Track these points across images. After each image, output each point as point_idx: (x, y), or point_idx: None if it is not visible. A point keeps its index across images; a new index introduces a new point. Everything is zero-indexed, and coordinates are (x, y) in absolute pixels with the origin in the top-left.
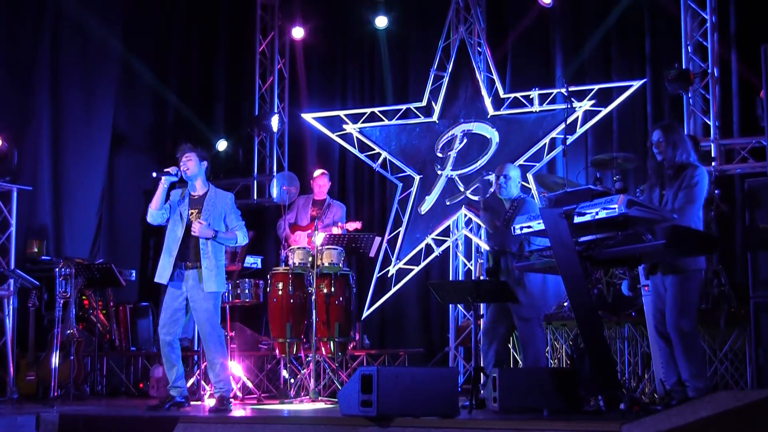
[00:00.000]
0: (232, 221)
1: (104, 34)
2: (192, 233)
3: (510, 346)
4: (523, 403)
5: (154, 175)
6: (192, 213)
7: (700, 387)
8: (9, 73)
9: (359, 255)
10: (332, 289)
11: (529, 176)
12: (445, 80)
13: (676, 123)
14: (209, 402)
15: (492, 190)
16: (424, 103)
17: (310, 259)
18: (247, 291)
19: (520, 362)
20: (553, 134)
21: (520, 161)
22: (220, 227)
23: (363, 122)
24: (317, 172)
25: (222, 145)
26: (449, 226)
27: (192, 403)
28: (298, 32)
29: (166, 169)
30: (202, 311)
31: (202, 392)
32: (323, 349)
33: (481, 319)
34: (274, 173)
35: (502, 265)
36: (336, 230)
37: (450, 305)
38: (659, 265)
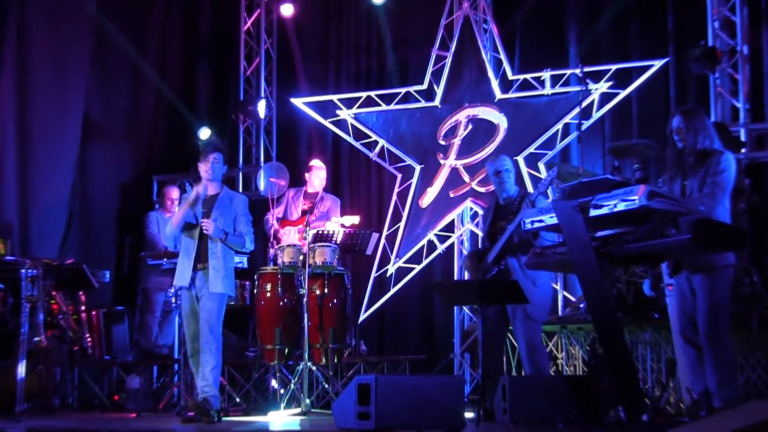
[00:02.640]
0: (241, 225)
1: (76, 5)
2: (204, 232)
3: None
4: (535, 415)
5: (185, 191)
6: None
7: (730, 396)
8: None
9: (355, 253)
10: (325, 291)
11: (541, 165)
12: (448, 61)
13: (698, 108)
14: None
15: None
16: (425, 86)
17: (301, 257)
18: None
19: (525, 369)
20: (567, 119)
21: (531, 149)
22: (229, 229)
23: (358, 107)
24: (316, 163)
25: (205, 133)
26: (453, 220)
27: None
28: (287, 9)
29: (198, 188)
30: (204, 311)
31: (183, 404)
32: (316, 356)
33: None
34: (261, 163)
35: (513, 264)
36: (329, 225)
37: (455, 307)
38: (684, 263)
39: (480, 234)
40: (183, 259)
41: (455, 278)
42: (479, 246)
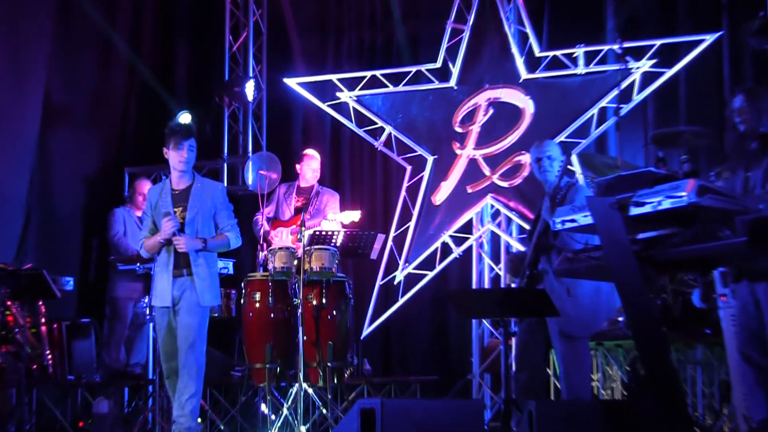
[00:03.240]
0: (222, 219)
1: None
2: (178, 250)
3: (550, 371)
4: None
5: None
6: (176, 212)
7: None
8: None
9: (358, 257)
10: (323, 301)
11: (573, 156)
12: (466, 35)
13: (765, 87)
14: None
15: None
16: (438, 65)
17: (295, 262)
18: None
19: (562, 392)
20: (603, 103)
21: (561, 137)
22: (210, 228)
23: (362, 89)
24: (308, 152)
25: (185, 118)
26: (471, 219)
27: None
28: None
29: (169, 227)
30: (183, 326)
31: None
32: (312, 376)
33: (513, 338)
34: (250, 154)
35: (548, 268)
36: (328, 225)
37: (473, 320)
38: (745, 270)
39: (504, 236)
40: (160, 275)
41: (473, 286)
42: (503, 246)
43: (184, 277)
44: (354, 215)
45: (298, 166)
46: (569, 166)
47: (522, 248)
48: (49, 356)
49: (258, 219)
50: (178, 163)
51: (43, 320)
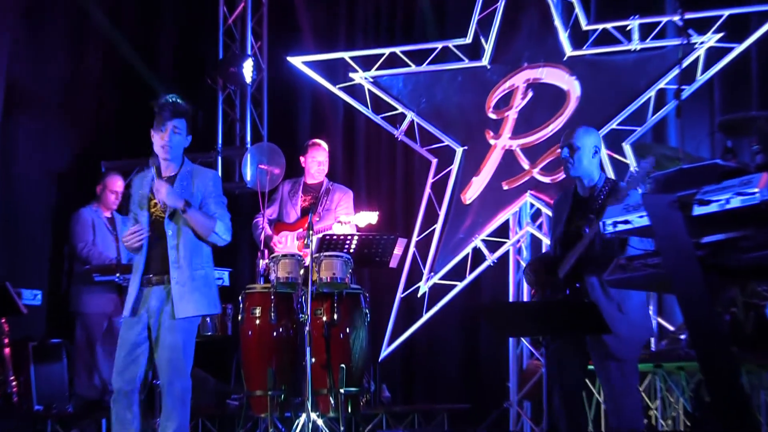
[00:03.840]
0: (210, 208)
1: None
2: (156, 198)
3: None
4: None
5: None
6: (155, 203)
7: None
8: None
9: (375, 265)
10: (335, 317)
11: (626, 147)
12: (500, 6)
13: None
14: None
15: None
16: (469, 40)
17: (302, 271)
18: (208, 320)
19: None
20: (662, 84)
21: (613, 124)
22: None
23: (379, 69)
24: (314, 142)
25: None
26: (508, 221)
27: None
28: None
29: (152, 162)
30: (165, 347)
31: None
32: (322, 405)
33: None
34: (248, 145)
35: (593, 281)
36: (340, 228)
37: (510, 339)
38: None
39: (545, 240)
40: (133, 276)
41: (510, 299)
42: (547, 251)
43: (161, 286)
44: (370, 217)
45: (302, 160)
46: (618, 157)
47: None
48: (14, 383)
49: (258, 222)
50: (160, 148)
51: (6, 341)
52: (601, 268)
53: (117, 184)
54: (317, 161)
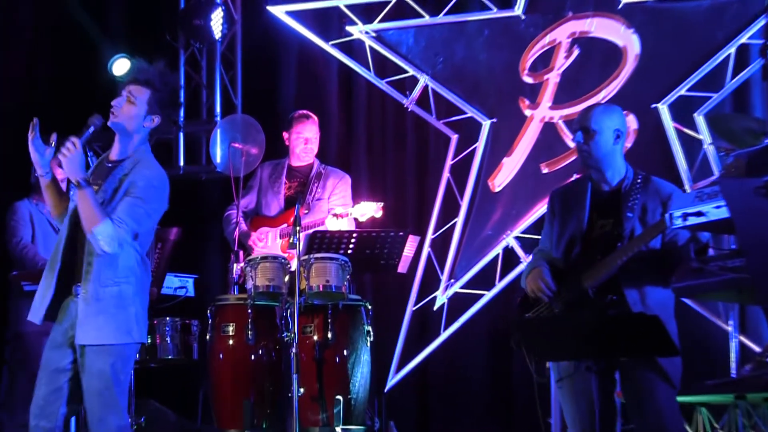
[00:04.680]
0: (118, 207)
1: None
2: (60, 157)
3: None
4: None
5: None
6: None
7: None
8: None
9: (379, 270)
10: (329, 336)
11: (699, 118)
12: None
13: None
14: None
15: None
16: None
17: (287, 278)
18: (168, 340)
19: None
20: (744, 39)
21: (682, 90)
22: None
23: (383, 20)
24: (298, 115)
25: (121, 66)
26: None
27: None
28: None
29: (91, 122)
30: (88, 376)
31: None
32: None
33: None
34: (218, 118)
35: (632, 295)
36: (335, 223)
37: (549, 364)
38: None
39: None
40: (45, 275)
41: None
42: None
43: (80, 299)
44: (373, 208)
45: (286, 137)
46: (687, 130)
47: None
48: None
49: (231, 215)
50: (111, 112)
51: None
52: (647, 277)
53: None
54: (303, 138)
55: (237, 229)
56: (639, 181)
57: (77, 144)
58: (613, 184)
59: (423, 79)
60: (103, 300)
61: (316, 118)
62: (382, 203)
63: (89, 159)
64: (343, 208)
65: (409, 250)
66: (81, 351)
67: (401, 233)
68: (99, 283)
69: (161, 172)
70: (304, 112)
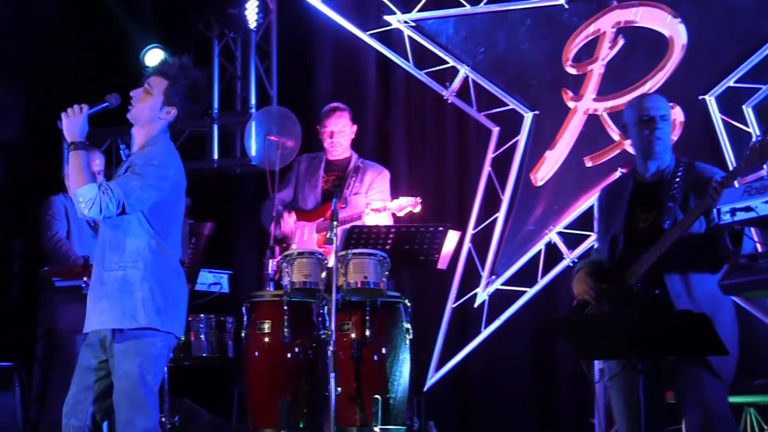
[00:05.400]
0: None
1: None
2: (63, 115)
3: None
4: None
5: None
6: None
7: None
8: None
9: (418, 266)
10: (367, 333)
11: (748, 110)
12: None
13: None
14: None
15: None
16: None
17: (324, 274)
18: (202, 338)
19: None
20: None
21: (730, 81)
22: (137, 221)
23: (423, 9)
24: (327, 109)
25: (154, 56)
26: (592, 207)
27: None
28: None
29: (108, 98)
30: (116, 377)
31: None
32: None
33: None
34: (253, 110)
35: (677, 286)
36: (373, 218)
37: (595, 362)
38: None
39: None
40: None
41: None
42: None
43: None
44: (410, 203)
45: (320, 130)
46: (737, 123)
47: None
48: None
49: (269, 205)
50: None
51: None
52: (693, 266)
53: (94, 162)
54: (328, 131)
55: (276, 216)
56: (681, 168)
57: (84, 109)
58: (654, 174)
59: (463, 70)
60: (107, 284)
61: (345, 110)
62: (420, 198)
63: (121, 152)
64: (380, 203)
65: (449, 246)
66: (110, 351)
67: (441, 228)
68: (103, 267)
69: (166, 151)
70: (332, 105)
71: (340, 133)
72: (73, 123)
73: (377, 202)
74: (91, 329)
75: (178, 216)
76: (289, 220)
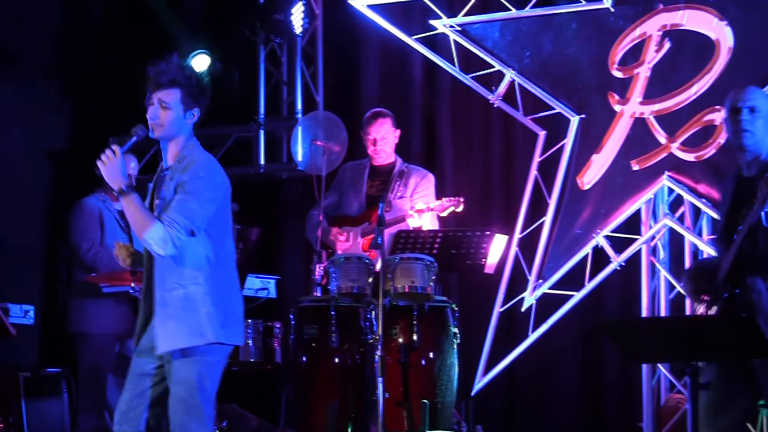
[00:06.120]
0: (169, 208)
1: None
2: (99, 164)
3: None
4: None
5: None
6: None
7: None
8: None
9: (465, 270)
10: (414, 338)
11: None
12: None
13: None
14: None
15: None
16: None
17: (371, 279)
18: (250, 343)
19: None
20: None
21: None
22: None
23: (468, 14)
24: (369, 115)
25: (201, 61)
26: (639, 211)
27: None
28: None
29: (134, 131)
30: (173, 383)
31: None
32: None
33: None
34: (299, 115)
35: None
36: (418, 221)
37: (643, 366)
38: None
39: (688, 236)
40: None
41: (643, 313)
42: (689, 251)
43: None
44: (453, 202)
45: (362, 134)
46: None
47: (713, 253)
48: (1, 423)
49: (314, 214)
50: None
51: None
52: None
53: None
54: (371, 138)
55: (320, 228)
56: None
57: (117, 152)
58: (754, 168)
59: (509, 74)
60: (170, 305)
61: (388, 115)
62: (463, 198)
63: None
64: (423, 204)
65: (497, 250)
66: (167, 357)
67: (487, 232)
68: (164, 289)
69: (207, 160)
70: (374, 111)
71: (383, 140)
72: (112, 170)
73: (421, 203)
74: (161, 351)
75: (230, 219)
76: (337, 237)
